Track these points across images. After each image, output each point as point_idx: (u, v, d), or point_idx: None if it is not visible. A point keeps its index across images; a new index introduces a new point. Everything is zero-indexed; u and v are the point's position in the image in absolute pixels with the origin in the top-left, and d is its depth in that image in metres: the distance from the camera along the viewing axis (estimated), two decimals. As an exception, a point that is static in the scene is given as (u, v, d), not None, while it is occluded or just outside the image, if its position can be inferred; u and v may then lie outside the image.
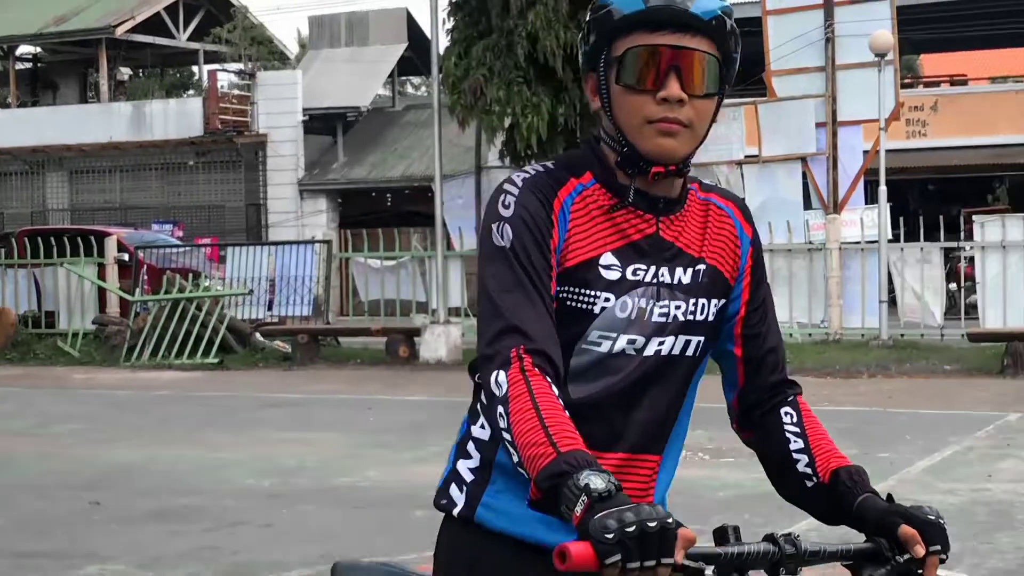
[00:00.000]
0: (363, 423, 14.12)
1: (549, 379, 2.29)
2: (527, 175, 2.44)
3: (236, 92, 36.79)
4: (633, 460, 2.49)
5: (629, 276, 2.44)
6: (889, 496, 2.40)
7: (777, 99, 21.69)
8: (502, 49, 18.88)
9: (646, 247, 2.46)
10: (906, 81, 33.44)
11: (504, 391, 2.26)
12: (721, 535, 2.19)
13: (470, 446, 2.56)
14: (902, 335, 19.98)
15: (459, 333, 20.71)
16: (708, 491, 9.71)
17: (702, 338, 2.51)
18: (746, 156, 22.01)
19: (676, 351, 2.48)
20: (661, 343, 2.46)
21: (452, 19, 20.05)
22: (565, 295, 2.41)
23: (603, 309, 2.43)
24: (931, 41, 38.09)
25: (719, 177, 22.12)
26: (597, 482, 2.07)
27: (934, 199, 31.12)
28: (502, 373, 2.28)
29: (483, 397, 2.36)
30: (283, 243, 24.98)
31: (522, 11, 18.54)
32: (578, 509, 2.06)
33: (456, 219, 23.10)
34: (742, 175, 21.98)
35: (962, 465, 10.75)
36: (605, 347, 2.44)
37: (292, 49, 48.32)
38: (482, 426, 2.51)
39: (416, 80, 52.99)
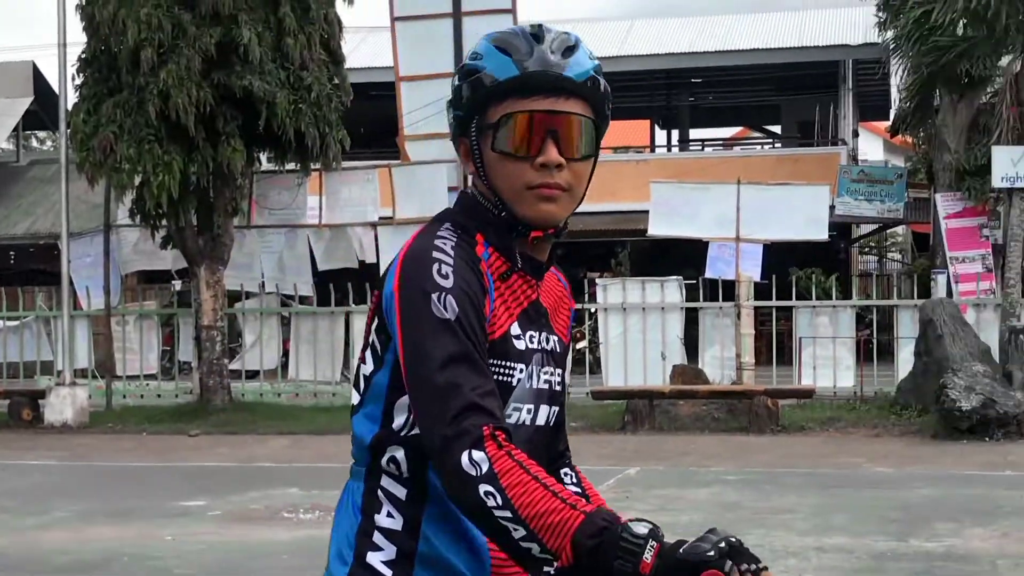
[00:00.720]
0: (-19, 491, 13.47)
1: (522, 451, 2.20)
2: (451, 240, 2.34)
3: None
4: None
5: (529, 345, 2.41)
6: None
7: (410, 163, 22.06)
8: (133, 106, 18.49)
9: (533, 313, 2.43)
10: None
11: (487, 468, 2.14)
12: None
13: (378, 537, 2.39)
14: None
15: (86, 395, 20.09)
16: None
17: (557, 408, 2.52)
18: (380, 218, 22.24)
19: (552, 420, 2.50)
20: (546, 411, 2.47)
21: (81, 75, 19.49)
22: (493, 368, 2.32)
23: (519, 381, 2.39)
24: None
25: (353, 239, 22.29)
26: (655, 528, 2.11)
27: (562, 263, 32.12)
28: (476, 452, 2.14)
29: (448, 477, 2.20)
30: None
31: (153, 68, 18.22)
32: (647, 555, 2.06)
33: (84, 278, 22.42)
34: (376, 237, 22.18)
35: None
36: (514, 418, 2.39)
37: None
38: (389, 515, 2.39)
39: (42, 134, 51.14)
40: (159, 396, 21.76)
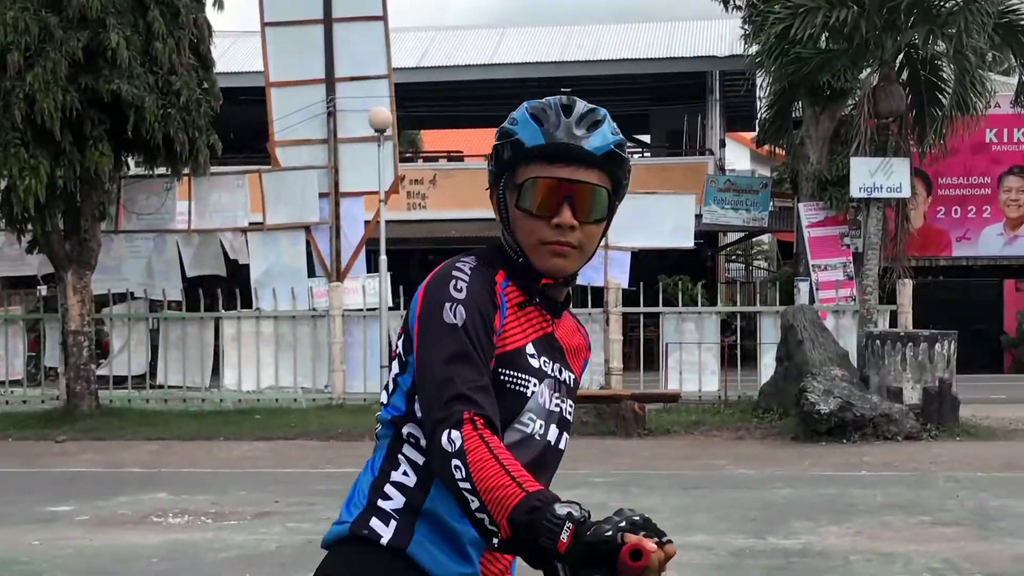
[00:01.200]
0: None
1: (499, 438, 2.49)
2: (471, 264, 2.70)
3: None
4: None
5: (543, 367, 2.72)
6: None
7: (281, 168, 22.03)
8: (-1, 110, 18.26)
9: (547, 344, 2.75)
10: (407, 155, 34.77)
11: (459, 446, 2.44)
12: None
13: (389, 488, 2.72)
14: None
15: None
16: (211, 552, 9.81)
17: (567, 436, 2.80)
18: (251, 223, 22.18)
19: (562, 444, 2.78)
20: (555, 432, 2.75)
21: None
22: (505, 377, 2.65)
23: (533, 393, 2.69)
24: (431, 118, 39.87)
25: (224, 243, 22.21)
26: (576, 510, 2.30)
27: (432, 268, 32.37)
28: (455, 431, 2.46)
29: (433, 454, 2.52)
30: None
31: (20, 72, 17.99)
32: (564, 536, 2.28)
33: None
34: (247, 242, 22.12)
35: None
36: (531, 428, 2.70)
37: None
38: (405, 473, 2.71)
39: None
40: (24, 402, 21.43)
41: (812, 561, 9.22)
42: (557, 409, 2.75)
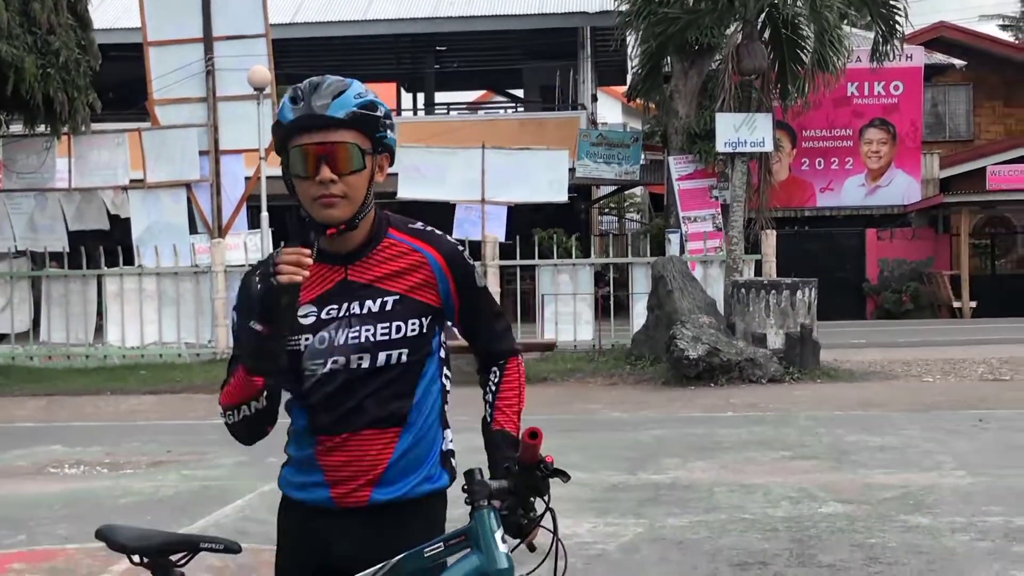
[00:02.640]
0: None
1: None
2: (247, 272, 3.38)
3: None
4: (365, 434, 3.29)
5: (323, 316, 3.29)
6: (510, 465, 3.22)
7: (161, 127, 22.20)
8: None
9: (339, 290, 3.30)
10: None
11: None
12: (470, 474, 3.10)
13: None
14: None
15: None
16: (111, 499, 10.23)
17: (404, 350, 3.30)
18: (132, 181, 22.34)
19: (379, 362, 3.29)
20: (360, 359, 3.28)
21: None
22: (288, 343, 3.25)
23: (306, 346, 3.28)
24: (306, 75, 39.82)
25: (105, 201, 22.36)
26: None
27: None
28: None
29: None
30: None
31: None
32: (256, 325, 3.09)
33: None
34: (128, 199, 22.29)
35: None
36: (320, 370, 3.29)
37: None
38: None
39: None
40: (-94, 362, 21.48)
41: (680, 493, 9.90)
42: (356, 340, 3.28)
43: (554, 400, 16.52)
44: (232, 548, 3.39)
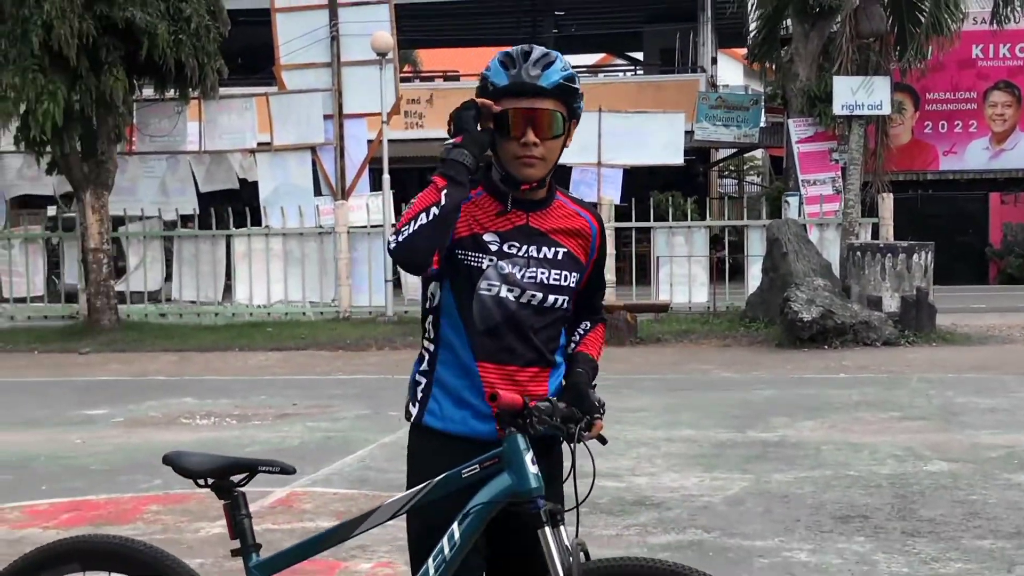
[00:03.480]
0: None
1: None
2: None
3: None
4: (528, 371, 3.62)
5: (505, 249, 3.60)
6: (580, 384, 3.68)
7: (287, 92, 22.80)
8: (17, 37, 18.94)
9: (520, 232, 3.63)
10: (405, 74, 35.35)
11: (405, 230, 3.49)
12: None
13: (417, 377, 3.72)
14: (406, 312, 21.46)
15: None
16: (239, 448, 10.73)
17: (566, 297, 3.67)
18: (259, 144, 22.98)
19: (548, 302, 3.63)
20: (533, 296, 3.60)
21: (-38, 7, 19.85)
22: (461, 255, 3.58)
23: (488, 266, 3.58)
24: (427, 39, 40.37)
25: (233, 164, 23.05)
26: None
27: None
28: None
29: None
30: None
31: (37, 0, 18.72)
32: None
33: (-25, 200, 22.87)
34: (255, 162, 22.95)
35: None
36: (493, 292, 3.59)
37: None
38: (421, 359, 3.71)
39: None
40: (46, 317, 22.39)
41: (786, 451, 10.12)
42: (532, 278, 3.61)
43: (667, 360, 16.78)
44: (288, 470, 3.72)
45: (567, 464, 3.62)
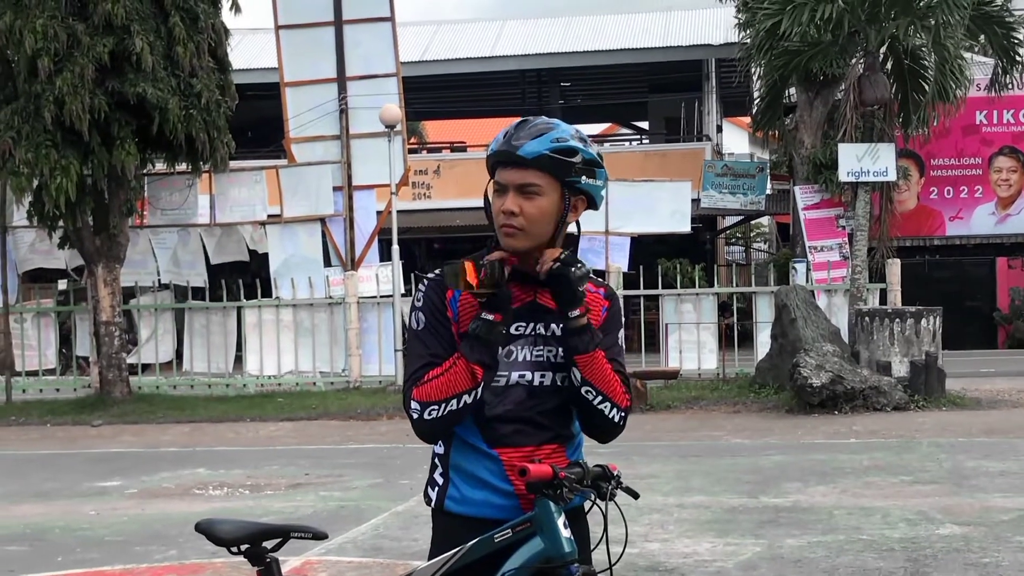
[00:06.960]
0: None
1: None
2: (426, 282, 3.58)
3: None
4: (545, 449, 3.52)
5: (512, 331, 3.49)
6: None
7: (297, 164, 23.02)
8: (30, 113, 19.20)
9: (528, 309, 3.52)
10: (412, 145, 35.60)
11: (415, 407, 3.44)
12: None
13: (435, 461, 3.61)
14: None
15: None
16: (253, 518, 10.69)
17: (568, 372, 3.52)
18: (269, 216, 23.16)
19: (559, 383, 3.53)
20: (543, 376, 3.52)
21: (-25, 84, 20.10)
22: None
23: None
24: (434, 110, 40.72)
25: (244, 235, 23.23)
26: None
27: (438, 256, 33.34)
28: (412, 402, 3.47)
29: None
30: None
31: (50, 76, 18.94)
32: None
33: (-20, 279, 22.95)
34: (266, 234, 23.12)
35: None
36: (503, 381, 3.49)
37: None
38: (439, 444, 3.59)
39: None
40: (58, 390, 22.47)
41: (799, 515, 10.14)
42: (540, 358, 3.51)
43: (678, 427, 16.80)
44: (319, 535, 3.73)
45: (590, 525, 3.60)
